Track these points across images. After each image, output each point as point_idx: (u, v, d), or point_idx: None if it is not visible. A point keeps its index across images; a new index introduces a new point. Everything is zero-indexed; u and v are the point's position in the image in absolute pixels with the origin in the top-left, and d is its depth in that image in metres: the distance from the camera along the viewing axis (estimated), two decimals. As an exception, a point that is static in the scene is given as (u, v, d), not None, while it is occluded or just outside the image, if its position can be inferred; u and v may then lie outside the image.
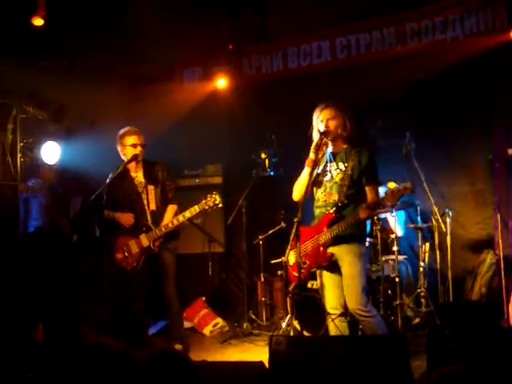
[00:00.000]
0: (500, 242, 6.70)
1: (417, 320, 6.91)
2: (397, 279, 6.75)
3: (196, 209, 6.18)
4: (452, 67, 7.18)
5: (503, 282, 6.46)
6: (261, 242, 7.65)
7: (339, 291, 5.18)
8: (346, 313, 5.25)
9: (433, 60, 7.34)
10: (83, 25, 8.07)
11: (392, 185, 4.88)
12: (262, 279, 7.81)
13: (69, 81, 7.86)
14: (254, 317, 7.74)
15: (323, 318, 6.39)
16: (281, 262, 6.70)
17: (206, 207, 6.17)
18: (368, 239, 7.28)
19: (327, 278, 5.25)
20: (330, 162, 5.23)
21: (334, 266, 5.18)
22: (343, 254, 5.09)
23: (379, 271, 6.89)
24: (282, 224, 7.51)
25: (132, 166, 6.44)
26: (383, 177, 8.08)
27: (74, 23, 7.88)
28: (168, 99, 8.47)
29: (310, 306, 6.70)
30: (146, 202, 6.42)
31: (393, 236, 6.91)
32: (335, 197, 5.12)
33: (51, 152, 7.58)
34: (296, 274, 5.24)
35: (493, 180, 7.09)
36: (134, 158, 6.30)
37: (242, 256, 8.13)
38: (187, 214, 6.22)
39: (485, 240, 7.27)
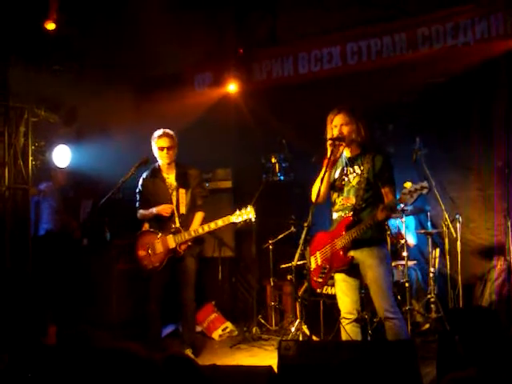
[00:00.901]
0: (510, 248, 6.69)
1: (426, 326, 6.89)
2: (406, 284, 6.73)
3: (230, 219, 6.25)
4: (463, 72, 7.16)
5: (513, 288, 6.45)
6: (270, 247, 7.65)
7: (355, 296, 5.21)
8: (359, 318, 5.27)
9: (444, 65, 7.32)
10: (95, 29, 8.11)
11: (408, 184, 4.88)
12: (272, 284, 7.80)
13: (80, 84, 7.89)
14: (263, 321, 7.75)
15: (332, 322, 6.43)
16: (290, 266, 6.70)
17: (239, 219, 6.25)
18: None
19: (344, 281, 5.24)
20: (347, 166, 5.24)
21: (351, 270, 5.19)
22: (366, 258, 5.09)
23: (389, 276, 6.88)
24: (292, 229, 7.50)
25: (164, 167, 6.53)
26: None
27: (86, 27, 7.92)
28: (179, 104, 8.48)
29: (319, 311, 6.70)
30: (175, 205, 6.47)
31: (403, 241, 6.89)
32: (352, 200, 5.12)
33: (62, 155, 7.62)
34: (317, 280, 5.27)
35: (503, 186, 7.05)
36: (145, 161, 6.33)
37: (252, 260, 8.14)
38: (220, 222, 6.28)
39: (495, 246, 7.24)
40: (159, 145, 6.45)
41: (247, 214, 6.23)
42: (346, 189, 5.21)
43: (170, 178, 6.55)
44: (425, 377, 4.65)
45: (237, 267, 8.75)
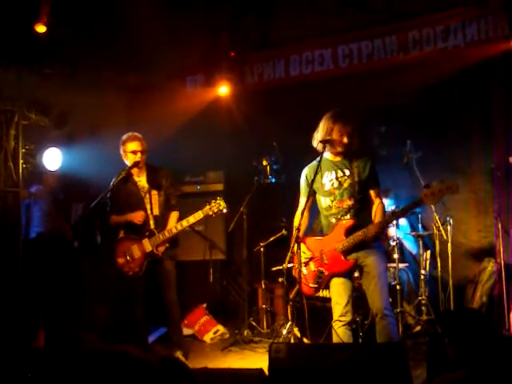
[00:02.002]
0: (501, 250, 6.71)
1: (417, 328, 6.89)
2: (398, 287, 6.74)
3: (200, 214, 6.18)
4: (453, 75, 7.19)
5: (504, 290, 6.46)
6: (262, 249, 7.65)
7: (349, 298, 5.23)
8: (352, 321, 5.31)
9: (434, 68, 7.34)
10: (86, 32, 8.08)
11: (434, 184, 4.86)
12: (263, 286, 7.80)
13: (71, 87, 7.87)
14: (254, 324, 7.74)
15: (324, 325, 6.43)
16: (281, 269, 6.70)
17: (210, 213, 6.19)
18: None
19: (341, 285, 5.26)
20: (335, 170, 5.26)
21: (347, 273, 5.24)
22: (367, 256, 5.14)
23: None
24: (283, 231, 7.50)
25: (135, 170, 6.43)
26: (385, 184, 8.13)
27: (77, 30, 7.90)
28: (170, 106, 8.48)
29: (310, 314, 6.69)
30: (149, 207, 6.41)
31: (393, 244, 6.90)
32: (348, 202, 5.17)
33: (53, 158, 7.60)
34: (312, 285, 5.28)
35: (494, 188, 7.08)
36: (136, 164, 6.31)
37: (243, 263, 8.13)
38: (191, 219, 6.22)
39: (486, 248, 7.27)
40: (132, 148, 6.34)
41: (217, 206, 6.19)
42: (338, 192, 5.23)
43: (142, 180, 6.47)
44: (415, 379, 4.65)
45: (228, 270, 8.75)
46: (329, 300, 6.56)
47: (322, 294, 6.71)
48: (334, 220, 5.26)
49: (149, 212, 6.39)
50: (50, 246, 7.66)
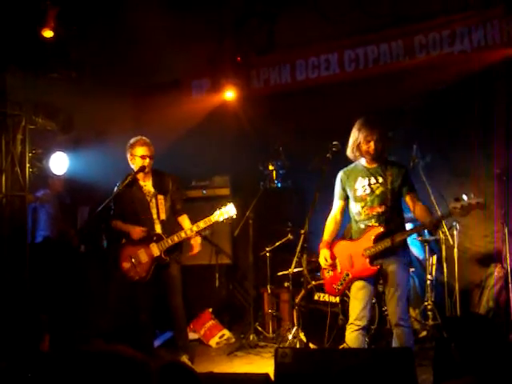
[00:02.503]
0: (508, 255, 6.68)
1: (424, 333, 6.88)
2: (404, 292, 6.73)
3: (210, 219, 6.21)
4: (459, 80, 7.18)
5: (511, 295, 6.44)
6: (268, 254, 7.64)
7: (368, 304, 5.27)
8: (367, 327, 5.33)
9: (440, 73, 7.33)
10: (92, 36, 8.12)
11: (463, 199, 4.89)
12: (269, 291, 7.79)
13: (77, 92, 7.90)
14: (260, 329, 7.73)
15: (330, 330, 6.43)
16: (287, 274, 6.71)
17: (221, 218, 6.21)
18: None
19: (362, 289, 5.28)
20: (369, 176, 5.30)
21: (370, 278, 5.26)
22: (390, 264, 5.17)
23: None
24: (289, 236, 7.48)
25: (141, 175, 6.42)
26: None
27: (83, 35, 7.92)
28: (176, 110, 8.48)
29: (316, 318, 6.69)
30: (155, 211, 6.41)
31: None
32: (378, 209, 5.20)
33: (59, 162, 7.61)
34: (336, 287, 5.33)
35: (501, 193, 7.06)
36: (142, 169, 6.30)
37: (249, 268, 8.11)
38: (201, 224, 6.23)
39: (492, 253, 7.24)
40: (140, 153, 6.33)
41: (227, 212, 6.22)
42: (369, 199, 5.27)
43: (147, 185, 6.47)
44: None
45: (234, 274, 8.74)
46: (335, 305, 6.59)
47: (329, 298, 6.71)
48: (363, 226, 5.29)
49: (155, 216, 6.39)
50: (55, 250, 7.67)
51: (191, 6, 8.37)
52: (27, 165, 7.21)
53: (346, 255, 5.32)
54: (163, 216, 6.41)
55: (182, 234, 6.29)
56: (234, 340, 7.69)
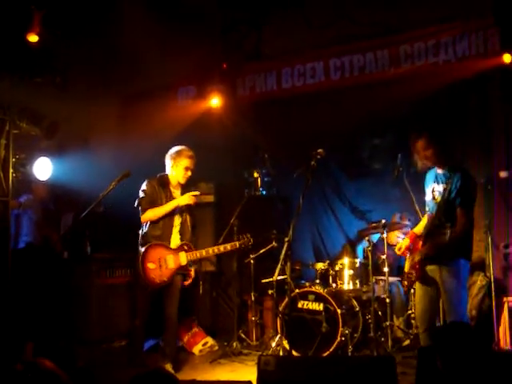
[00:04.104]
0: (491, 264, 6.72)
1: (407, 341, 6.90)
2: (387, 300, 6.75)
3: (236, 245, 6.63)
4: (445, 89, 7.21)
5: (493, 304, 6.47)
6: (252, 261, 7.63)
7: (427, 306, 5.37)
8: (430, 328, 5.36)
9: (426, 82, 7.36)
10: (77, 42, 8.10)
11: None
12: (253, 298, 7.77)
13: (62, 97, 7.87)
14: (243, 336, 7.73)
15: (313, 337, 6.44)
16: (271, 281, 6.71)
17: (243, 246, 6.71)
18: (359, 259, 7.33)
19: (419, 290, 5.43)
20: (435, 183, 5.41)
21: (428, 281, 5.32)
22: (438, 272, 5.25)
23: (370, 292, 6.91)
24: (274, 243, 7.49)
25: (175, 182, 6.55)
26: (377, 198, 8.13)
27: (69, 40, 7.90)
28: (162, 117, 8.48)
29: (299, 326, 6.69)
30: (178, 218, 6.51)
31: (383, 257, 6.91)
32: (434, 216, 5.28)
33: (43, 168, 7.56)
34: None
35: (485, 203, 7.09)
36: (126, 175, 6.28)
37: (233, 275, 8.10)
38: (228, 246, 6.60)
39: (476, 262, 7.23)
40: (186, 164, 6.48)
41: (247, 241, 6.71)
42: (431, 205, 5.39)
43: (176, 193, 6.56)
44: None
45: (218, 282, 8.72)
46: (318, 313, 6.61)
47: (312, 306, 6.73)
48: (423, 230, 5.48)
49: (176, 223, 6.50)
50: (38, 256, 7.62)
51: (178, 13, 8.36)
52: (10, 170, 7.15)
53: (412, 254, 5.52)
54: (190, 229, 6.59)
55: (210, 251, 6.54)
56: (217, 347, 7.67)
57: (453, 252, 5.25)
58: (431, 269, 5.26)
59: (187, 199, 6.42)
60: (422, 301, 5.38)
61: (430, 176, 5.54)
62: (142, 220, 6.44)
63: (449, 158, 5.38)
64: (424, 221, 5.63)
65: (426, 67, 7.40)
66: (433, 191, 5.38)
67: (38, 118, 7.49)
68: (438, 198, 5.28)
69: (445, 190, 5.22)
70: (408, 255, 5.50)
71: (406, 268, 5.46)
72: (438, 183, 5.37)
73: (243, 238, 6.68)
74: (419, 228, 5.65)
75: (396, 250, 5.71)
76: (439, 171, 5.41)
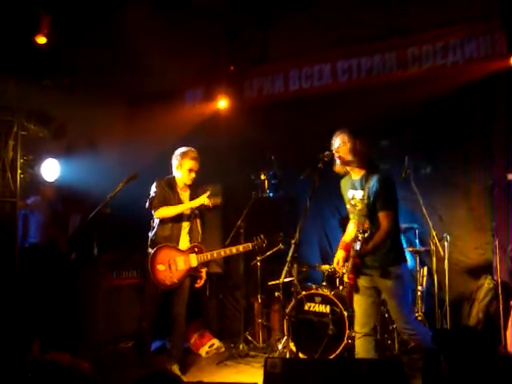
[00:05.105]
0: (498, 267, 6.70)
1: (413, 343, 6.88)
2: (394, 303, 6.73)
3: (249, 246, 6.63)
4: (452, 92, 7.20)
5: (501, 307, 6.44)
6: (258, 264, 7.63)
7: (368, 310, 5.34)
8: (372, 333, 5.36)
9: (433, 84, 7.34)
10: (85, 44, 8.12)
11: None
12: (259, 301, 7.78)
13: (70, 99, 7.91)
14: (250, 338, 7.73)
15: (319, 340, 6.44)
16: (278, 283, 6.71)
17: (257, 247, 6.71)
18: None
19: (358, 295, 5.37)
20: (353, 190, 5.38)
21: (367, 286, 5.31)
22: (374, 281, 5.28)
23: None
24: (280, 246, 7.48)
25: (182, 184, 6.58)
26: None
27: (76, 42, 7.93)
28: (169, 119, 8.49)
29: (306, 328, 6.69)
30: (199, 221, 6.60)
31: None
32: (360, 225, 5.23)
33: (51, 169, 7.59)
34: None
35: (492, 205, 7.07)
36: (134, 177, 6.29)
37: (240, 277, 8.10)
38: (240, 248, 6.63)
39: (483, 265, 7.24)
40: (190, 166, 6.49)
41: (261, 243, 6.73)
42: (355, 213, 5.37)
43: (184, 195, 6.59)
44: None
45: (224, 284, 8.72)
46: (325, 315, 6.61)
47: (318, 308, 6.73)
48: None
49: (184, 225, 6.53)
50: (44, 258, 7.63)
51: (185, 15, 8.37)
52: (18, 171, 7.18)
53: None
54: (200, 230, 6.65)
55: (222, 253, 6.57)
56: (223, 349, 7.67)
57: (392, 259, 5.24)
58: (370, 276, 5.26)
59: (201, 200, 6.44)
60: (363, 304, 5.36)
61: (345, 184, 5.53)
62: (155, 216, 6.47)
63: (364, 159, 5.35)
64: (349, 227, 5.63)
65: (433, 69, 7.38)
66: (353, 198, 5.34)
67: (45, 119, 7.53)
68: (359, 204, 5.24)
69: (363, 195, 5.21)
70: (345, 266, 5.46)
71: (345, 277, 5.46)
72: (356, 189, 5.34)
73: (257, 239, 6.68)
74: (348, 236, 5.61)
75: (334, 265, 5.67)
76: (354, 177, 5.40)
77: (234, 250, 6.57)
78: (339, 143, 5.33)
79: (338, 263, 5.57)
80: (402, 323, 5.24)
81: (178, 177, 6.56)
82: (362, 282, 5.31)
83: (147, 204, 6.45)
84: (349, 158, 5.29)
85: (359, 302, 5.39)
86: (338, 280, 7.25)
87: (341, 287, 6.71)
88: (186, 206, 6.43)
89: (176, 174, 6.57)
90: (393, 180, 5.42)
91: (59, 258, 7.76)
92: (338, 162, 5.38)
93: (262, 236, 6.71)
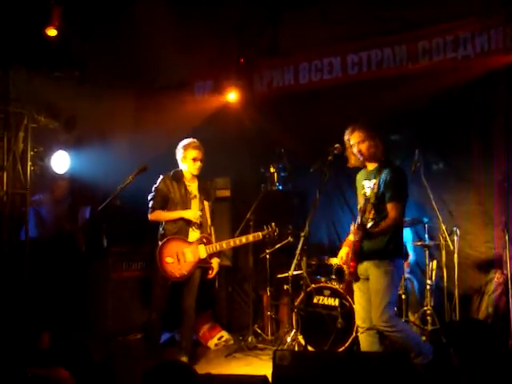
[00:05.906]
0: (508, 261, 6.67)
1: (422, 338, 6.87)
2: (403, 296, 6.73)
3: (259, 235, 6.54)
4: (463, 85, 7.17)
5: (510, 301, 6.43)
6: (267, 256, 7.64)
7: (367, 306, 5.33)
8: (374, 327, 5.34)
9: (444, 78, 7.31)
10: (96, 36, 8.12)
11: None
12: (268, 293, 7.79)
13: (80, 91, 7.92)
14: (259, 331, 7.74)
15: (328, 333, 6.44)
16: (287, 276, 6.70)
17: (267, 236, 6.59)
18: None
19: (357, 289, 5.42)
20: (366, 180, 5.39)
21: (363, 278, 5.34)
22: (367, 269, 5.29)
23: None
24: (289, 239, 7.47)
25: (189, 175, 6.59)
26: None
27: (87, 35, 7.94)
28: (178, 111, 8.49)
29: (315, 322, 6.69)
30: (207, 213, 6.59)
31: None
32: (367, 214, 5.22)
33: (61, 161, 7.61)
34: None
35: (502, 200, 7.04)
36: (143, 169, 6.30)
37: (249, 270, 8.12)
38: (250, 237, 6.56)
39: (492, 259, 7.22)
40: (193, 155, 6.51)
41: (272, 231, 6.60)
42: (362, 201, 5.34)
43: (192, 186, 6.60)
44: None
45: (234, 276, 8.73)
46: (334, 308, 6.62)
47: (327, 302, 6.73)
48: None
49: (208, 218, 6.59)
50: (51, 249, 7.63)
51: (195, 7, 8.37)
52: (29, 163, 7.21)
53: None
54: (210, 222, 6.65)
55: (231, 243, 6.54)
56: (232, 342, 7.68)
57: (388, 251, 5.24)
58: (365, 266, 5.29)
59: (192, 215, 6.44)
60: (360, 301, 5.40)
61: (360, 176, 5.57)
62: (149, 217, 6.50)
63: (381, 153, 5.38)
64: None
65: (444, 62, 7.35)
66: (363, 188, 5.35)
67: (56, 111, 7.55)
68: (368, 193, 5.23)
69: (374, 184, 5.21)
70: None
71: (345, 267, 5.51)
72: (369, 180, 5.35)
73: (267, 228, 6.60)
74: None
75: (338, 261, 5.71)
76: (369, 168, 5.43)
77: (243, 239, 6.54)
78: (359, 139, 5.33)
79: (341, 259, 5.59)
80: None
81: (185, 169, 6.58)
82: (359, 270, 5.34)
83: (148, 200, 6.51)
84: (370, 152, 5.32)
85: (357, 299, 5.46)
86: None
87: (341, 285, 6.69)
88: (179, 214, 6.42)
89: (182, 167, 6.59)
90: (405, 172, 5.44)
91: (71, 250, 7.78)
92: (357, 156, 5.40)
93: (273, 224, 6.62)
